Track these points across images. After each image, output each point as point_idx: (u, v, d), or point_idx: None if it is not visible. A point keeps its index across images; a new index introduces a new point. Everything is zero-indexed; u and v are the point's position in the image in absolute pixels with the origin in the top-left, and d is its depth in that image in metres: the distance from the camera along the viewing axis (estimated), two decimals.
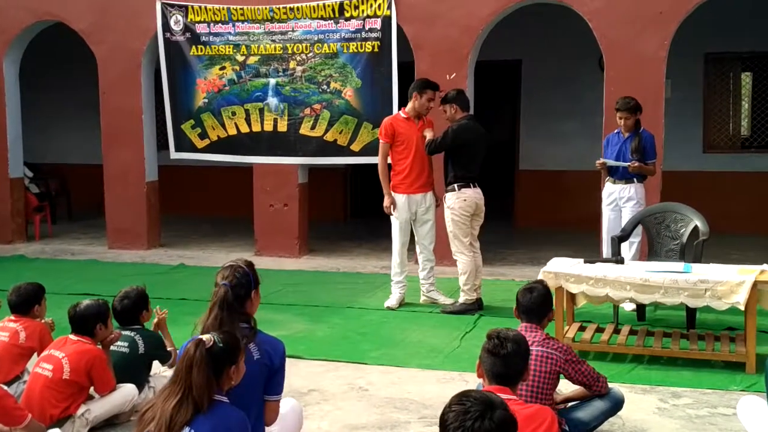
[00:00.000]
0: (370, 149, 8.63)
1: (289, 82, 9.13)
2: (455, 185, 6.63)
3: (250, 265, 3.24)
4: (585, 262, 5.55)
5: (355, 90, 8.94)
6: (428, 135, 6.75)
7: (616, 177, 6.83)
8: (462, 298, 6.77)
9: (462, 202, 6.62)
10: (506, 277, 8.08)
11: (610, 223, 6.83)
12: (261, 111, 9.31)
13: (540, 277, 5.30)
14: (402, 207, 6.86)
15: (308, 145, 9.22)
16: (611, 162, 6.74)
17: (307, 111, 9.17)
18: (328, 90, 9.06)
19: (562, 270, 5.40)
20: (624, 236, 6.45)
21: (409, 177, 6.85)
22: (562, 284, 5.35)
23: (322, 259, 9.36)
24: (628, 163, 6.65)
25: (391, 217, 6.91)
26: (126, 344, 4.44)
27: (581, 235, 9.39)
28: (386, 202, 6.81)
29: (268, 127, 9.33)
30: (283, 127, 9.27)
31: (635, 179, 6.75)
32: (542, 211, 11.20)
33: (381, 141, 6.91)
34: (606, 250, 6.80)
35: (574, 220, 10.28)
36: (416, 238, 7.04)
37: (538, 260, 8.23)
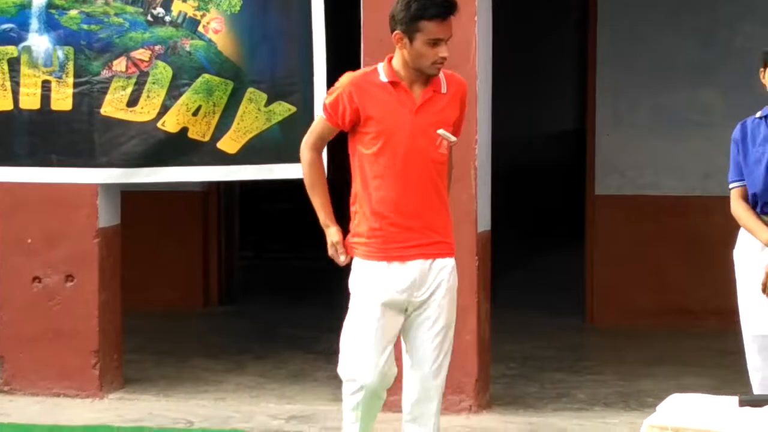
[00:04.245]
0: (266, 149, 8.14)
1: (79, 2, 8.39)
2: None
3: None
4: (741, 402, 5.19)
5: (230, 20, 8.27)
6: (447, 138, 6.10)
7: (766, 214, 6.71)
8: None
9: None
10: None
11: (760, 310, 6.32)
12: (14, 65, 8.50)
13: None
14: (379, 280, 5.99)
15: (121, 140, 8.38)
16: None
17: (120, 65, 8.33)
18: (167, 20, 8.32)
19: (693, 424, 4.98)
20: None
21: (393, 215, 6.06)
22: None
23: (149, 401, 8.35)
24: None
25: (352, 289, 6.09)
26: None
27: (723, 336, 8.86)
28: (332, 237, 6.26)
29: (30, 102, 8.49)
30: (64, 102, 8.43)
31: None
32: (641, 285, 10.46)
33: (322, 116, 6.25)
34: (763, 376, 6.27)
35: (711, 304, 9.71)
36: (406, 358, 6.15)
37: (637, 397, 8.13)
